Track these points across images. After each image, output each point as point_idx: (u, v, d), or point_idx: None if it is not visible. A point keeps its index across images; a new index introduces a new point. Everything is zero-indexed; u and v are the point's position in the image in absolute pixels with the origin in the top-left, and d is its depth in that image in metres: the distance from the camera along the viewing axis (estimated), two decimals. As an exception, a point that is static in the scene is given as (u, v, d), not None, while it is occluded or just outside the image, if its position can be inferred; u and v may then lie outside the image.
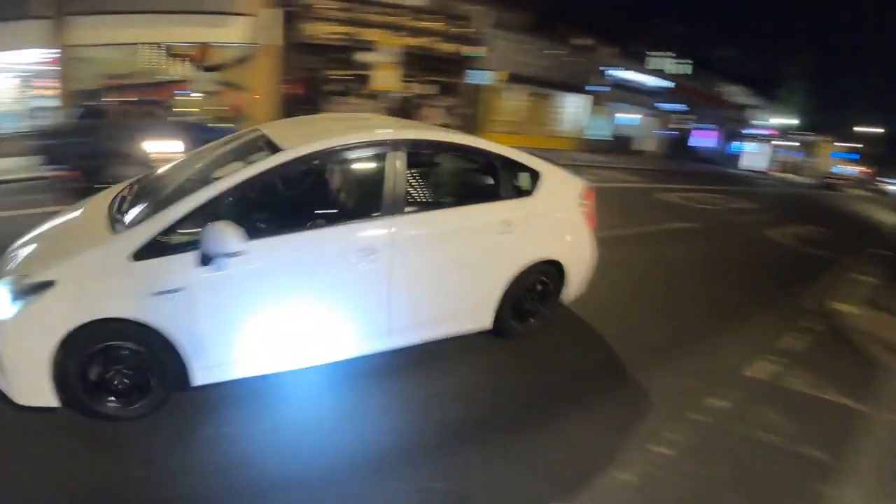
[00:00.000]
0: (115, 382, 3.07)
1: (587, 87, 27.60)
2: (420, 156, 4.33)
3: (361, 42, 16.95)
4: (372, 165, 3.80)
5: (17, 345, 2.84)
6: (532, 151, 4.79)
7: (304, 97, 16.56)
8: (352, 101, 17.20)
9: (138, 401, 3.15)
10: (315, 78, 16.94)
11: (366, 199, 3.74)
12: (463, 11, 20.66)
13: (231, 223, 2.92)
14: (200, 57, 15.45)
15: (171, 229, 3.02)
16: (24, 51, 15.39)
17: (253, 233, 3.06)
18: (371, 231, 3.55)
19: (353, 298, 3.61)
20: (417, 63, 18.30)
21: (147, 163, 8.48)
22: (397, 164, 3.69)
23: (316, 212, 3.63)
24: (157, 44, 15.32)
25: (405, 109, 17.42)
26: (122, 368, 3.06)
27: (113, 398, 3.10)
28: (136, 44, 15.26)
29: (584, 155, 25.10)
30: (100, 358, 2.99)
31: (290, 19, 16.06)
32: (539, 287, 4.64)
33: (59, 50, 14.46)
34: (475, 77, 20.75)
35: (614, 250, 7.21)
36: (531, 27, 24.37)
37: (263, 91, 15.26)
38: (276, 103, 15.43)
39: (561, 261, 4.59)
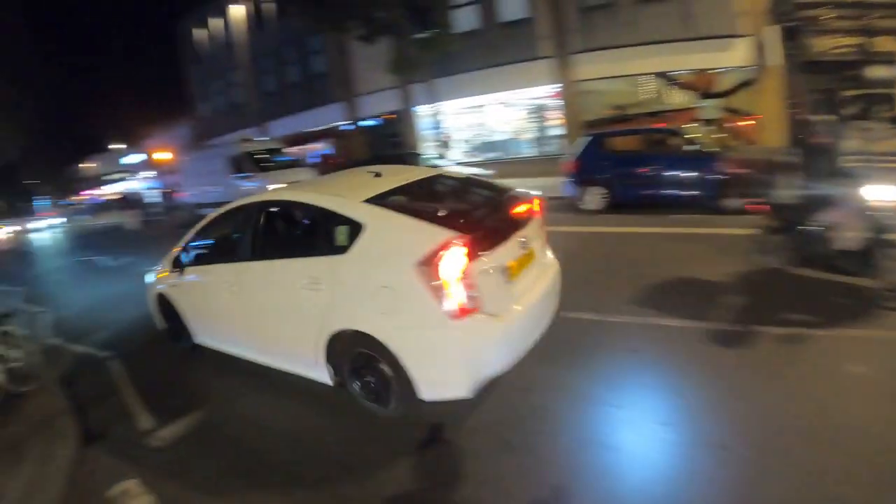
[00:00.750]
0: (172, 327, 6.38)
1: None
2: (276, 213, 5.31)
3: (876, 54, 15.29)
4: (242, 222, 5.31)
5: (149, 296, 6.59)
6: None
7: (815, 121, 15.54)
8: (871, 126, 15.62)
9: (176, 342, 6.39)
10: (825, 100, 15.87)
11: (234, 247, 5.32)
12: None
13: (175, 252, 5.96)
14: (701, 84, 15.88)
15: (181, 250, 5.88)
16: (533, 88, 18.59)
17: (190, 261, 5.76)
18: (230, 269, 5.13)
19: (228, 312, 5.32)
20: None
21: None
22: (252, 221, 5.06)
23: (214, 253, 5.74)
24: (658, 73, 16.41)
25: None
26: (170, 319, 6.32)
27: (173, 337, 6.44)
28: (636, 75, 16.70)
29: None
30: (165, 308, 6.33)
31: (792, 35, 15.36)
32: (380, 366, 4.05)
33: (561, 85, 17.02)
34: None
35: None
36: None
37: (769, 116, 14.87)
38: (783, 128, 14.84)
39: (381, 341, 3.87)
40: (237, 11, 29.00)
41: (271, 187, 16.73)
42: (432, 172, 5.19)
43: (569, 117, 16.86)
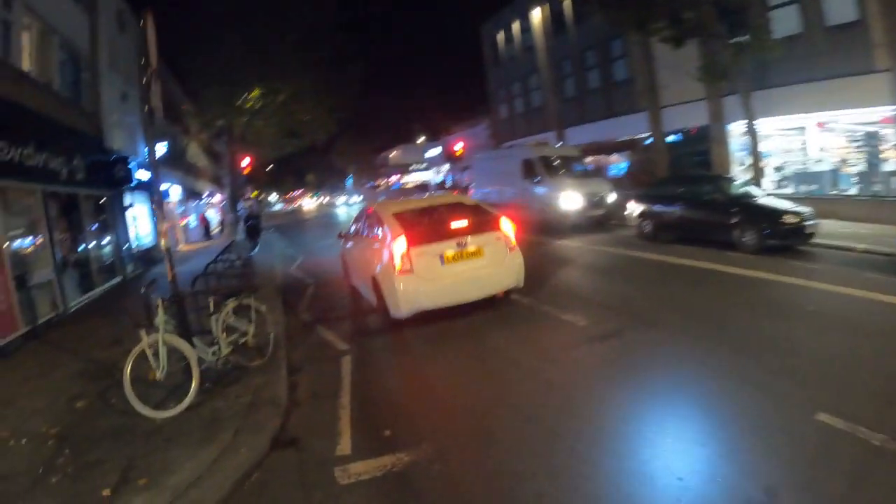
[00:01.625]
0: None
1: None
2: (369, 214, 10.23)
3: None
4: (361, 217, 10.94)
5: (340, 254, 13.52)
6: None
7: None
8: None
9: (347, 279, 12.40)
10: None
11: (356, 229, 10.91)
12: None
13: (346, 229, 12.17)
14: None
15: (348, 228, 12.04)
16: (862, 108, 16.19)
17: (347, 234, 11.76)
18: (355, 240, 10.78)
19: (353, 264, 11.05)
20: None
21: None
22: (362, 217, 10.74)
23: (354, 231, 11.21)
24: None
25: None
26: (344, 268, 12.62)
27: None
28: None
29: None
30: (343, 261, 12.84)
31: None
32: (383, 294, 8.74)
33: (893, 107, 14.66)
34: None
35: None
36: None
37: None
38: None
39: (379, 281, 8.60)
40: (537, 15, 31.76)
41: (562, 194, 18.09)
42: (453, 200, 10.17)
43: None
